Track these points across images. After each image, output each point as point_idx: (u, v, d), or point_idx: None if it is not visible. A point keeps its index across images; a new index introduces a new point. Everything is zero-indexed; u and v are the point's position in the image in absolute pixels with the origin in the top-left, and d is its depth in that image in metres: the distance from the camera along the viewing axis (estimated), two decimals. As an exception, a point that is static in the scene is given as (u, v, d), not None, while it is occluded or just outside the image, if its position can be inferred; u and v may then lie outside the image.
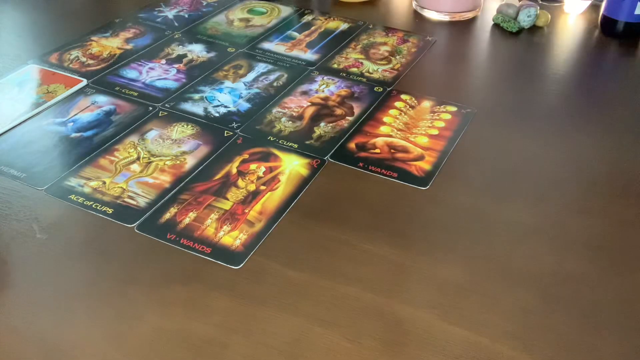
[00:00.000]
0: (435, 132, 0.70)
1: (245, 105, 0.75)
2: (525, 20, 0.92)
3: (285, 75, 0.81)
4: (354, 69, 0.82)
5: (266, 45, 0.88)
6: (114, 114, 0.73)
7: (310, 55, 0.86)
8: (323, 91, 0.78)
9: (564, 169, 0.66)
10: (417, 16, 0.98)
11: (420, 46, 0.89)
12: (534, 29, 0.93)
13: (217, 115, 0.73)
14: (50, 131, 0.70)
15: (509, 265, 0.54)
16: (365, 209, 0.60)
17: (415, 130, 0.71)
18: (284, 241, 0.56)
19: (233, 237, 0.56)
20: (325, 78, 0.80)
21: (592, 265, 0.54)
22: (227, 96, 0.77)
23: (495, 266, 0.54)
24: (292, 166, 0.65)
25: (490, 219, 0.59)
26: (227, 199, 0.60)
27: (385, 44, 0.89)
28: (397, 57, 0.86)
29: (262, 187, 0.62)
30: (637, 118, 0.74)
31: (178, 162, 0.65)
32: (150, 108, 0.74)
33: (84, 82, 0.79)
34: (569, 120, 0.73)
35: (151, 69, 0.82)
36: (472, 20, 0.97)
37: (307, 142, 0.69)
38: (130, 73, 0.81)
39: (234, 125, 0.71)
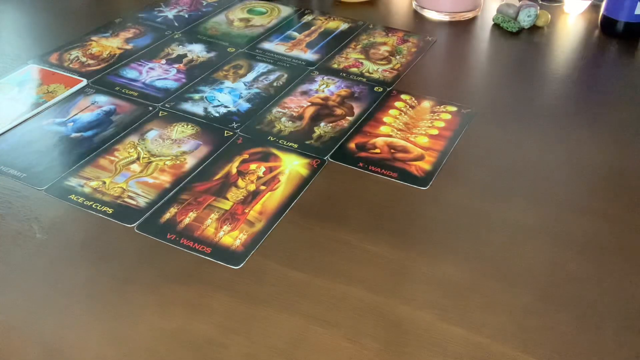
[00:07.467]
0: (435, 132, 0.70)
1: (245, 105, 0.75)
2: (525, 20, 0.92)
3: (285, 75, 0.81)
4: (354, 69, 0.82)
5: (266, 45, 0.88)
6: (114, 114, 0.73)
7: (310, 55, 0.86)
8: (323, 91, 0.78)
9: (564, 169, 0.66)
10: (417, 16, 0.98)
11: (420, 46, 0.89)
12: (534, 29, 0.93)
13: (217, 115, 0.73)
14: (50, 131, 0.70)
15: (509, 265, 0.54)
16: (365, 209, 0.60)
17: (415, 130, 0.71)
18: (284, 241, 0.56)
19: (233, 237, 0.56)
20: (325, 78, 0.80)
21: (592, 265, 0.54)
22: (227, 96, 0.77)
23: (496, 266, 0.54)
24: (292, 166, 0.65)
25: (490, 219, 0.59)
26: (227, 199, 0.60)
27: (385, 44, 0.89)
28: (397, 57, 0.86)
29: (262, 187, 0.62)
30: (637, 118, 0.74)
31: (178, 162, 0.65)
32: (150, 108, 0.74)
33: (84, 82, 0.79)
34: (569, 120, 0.73)
35: (151, 69, 0.82)
36: (472, 20, 0.97)
37: (307, 142, 0.69)
38: (130, 73, 0.81)
39: (234, 125, 0.71)
